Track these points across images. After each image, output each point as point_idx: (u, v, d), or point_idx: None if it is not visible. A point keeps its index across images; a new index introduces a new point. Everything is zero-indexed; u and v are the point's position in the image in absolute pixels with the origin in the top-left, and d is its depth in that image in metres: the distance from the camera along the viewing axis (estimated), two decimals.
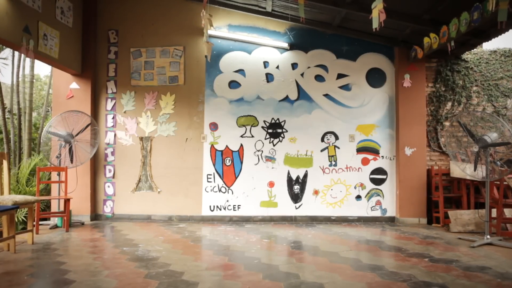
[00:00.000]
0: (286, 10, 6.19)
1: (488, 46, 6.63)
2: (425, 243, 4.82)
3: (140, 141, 6.56)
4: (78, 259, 3.96)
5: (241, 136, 6.52)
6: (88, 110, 6.38)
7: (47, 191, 6.53)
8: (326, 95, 6.52)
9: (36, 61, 7.55)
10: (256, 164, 6.49)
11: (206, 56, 5.93)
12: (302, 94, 6.51)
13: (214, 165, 6.51)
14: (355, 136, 6.49)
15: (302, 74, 6.55)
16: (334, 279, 3.34)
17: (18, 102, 7.76)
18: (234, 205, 6.46)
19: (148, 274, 3.45)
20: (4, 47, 7.43)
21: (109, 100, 6.65)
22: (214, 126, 6.54)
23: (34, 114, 10.38)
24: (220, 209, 6.46)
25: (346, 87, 6.52)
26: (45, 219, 6.18)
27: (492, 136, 4.78)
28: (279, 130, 6.51)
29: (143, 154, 6.55)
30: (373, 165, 6.48)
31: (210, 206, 6.47)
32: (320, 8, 5.66)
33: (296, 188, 6.47)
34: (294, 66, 6.57)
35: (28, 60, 8.11)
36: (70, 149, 5.98)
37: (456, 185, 6.24)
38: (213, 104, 6.55)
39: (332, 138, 6.50)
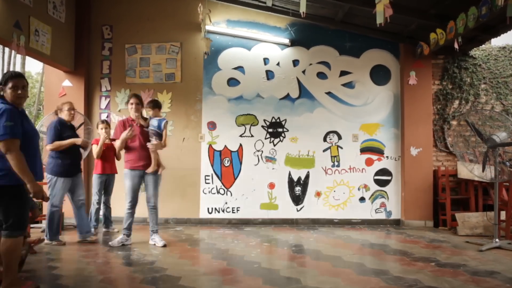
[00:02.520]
0: (287, 4, 6.18)
1: (497, 42, 6.70)
2: (431, 246, 4.82)
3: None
4: (71, 264, 3.96)
5: (240, 136, 6.51)
6: (81, 109, 6.37)
7: None
8: (328, 93, 6.51)
9: (27, 58, 7.54)
10: (256, 165, 6.49)
11: (205, 53, 5.92)
12: (303, 92, 6.51)
13: (212, 165, 6.50)
14: (358, 135, 6.49)
15: (303, 71, 6.55)
16: (337, 284, 3.34)
17: None
18: (233, 207, 6.46)
19: (144, 279, 3.45)
20: None
21: (103, 98, 6.65)
22: (212, 126, 6.53)
23: None
24: (219, 212, 6.46)
25: (349, 85, 6.52)
26: (36, 222, 6.17)
27: (501, 136, 4.78)
28: (280, 130, 6.51)
29: None
30: (378, 165, 6.47)
31: (208, 208, 6.47)
32: (322, 2, 5.66)
33: (298, 189, 6.47)
34: (295, 63, 6.57)
35: (19, 56, 8.10)
36: None
37: (463, 186, 6.24)
38: (211, 103, 6.55)
39: (335, 137, 6.49)
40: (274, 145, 6.50)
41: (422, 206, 6.27)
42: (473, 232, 5.50)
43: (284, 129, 6.51)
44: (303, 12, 4.16)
